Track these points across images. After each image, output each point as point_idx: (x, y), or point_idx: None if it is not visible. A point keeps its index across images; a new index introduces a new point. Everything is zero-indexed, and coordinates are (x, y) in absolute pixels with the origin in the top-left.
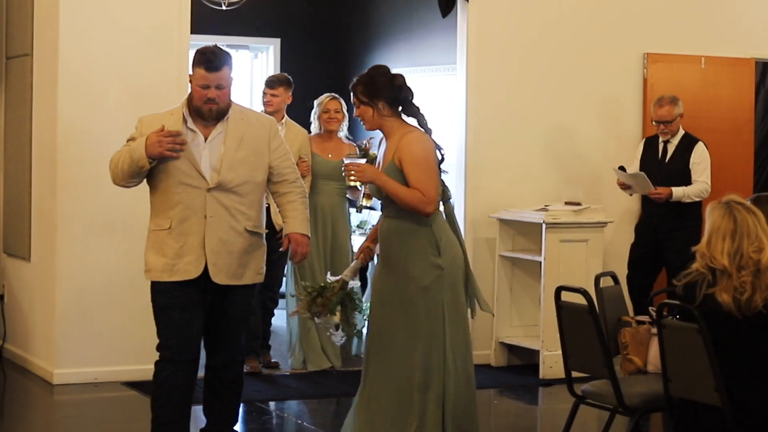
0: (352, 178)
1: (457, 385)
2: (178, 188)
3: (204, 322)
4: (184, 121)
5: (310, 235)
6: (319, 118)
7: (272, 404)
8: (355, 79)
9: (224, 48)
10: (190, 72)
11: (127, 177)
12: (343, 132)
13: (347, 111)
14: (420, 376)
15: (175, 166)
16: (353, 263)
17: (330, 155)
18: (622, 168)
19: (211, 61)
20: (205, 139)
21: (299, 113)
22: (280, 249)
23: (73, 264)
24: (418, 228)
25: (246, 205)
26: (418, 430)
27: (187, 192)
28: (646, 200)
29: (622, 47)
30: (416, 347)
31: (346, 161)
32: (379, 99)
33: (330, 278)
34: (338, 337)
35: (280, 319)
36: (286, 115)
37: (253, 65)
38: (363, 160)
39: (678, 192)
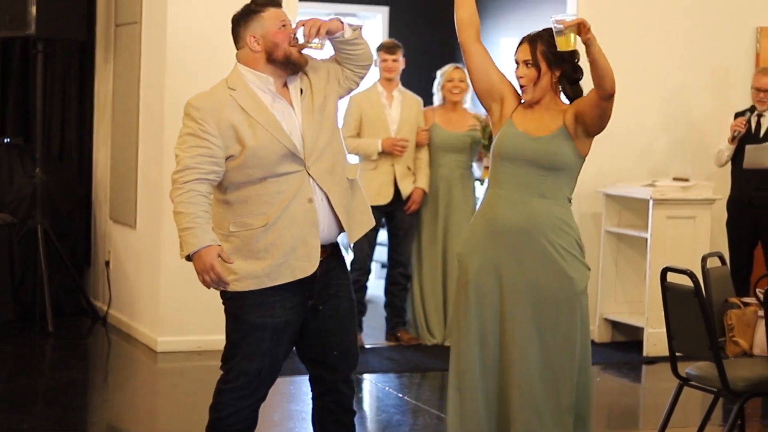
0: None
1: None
2: (276, 178)
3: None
4: (266, 91)
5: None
6: (442, 88)
7: (372, 376)
8: (534, 33)
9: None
10: (248, 27)
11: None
12: (467, 104)
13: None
14: (572, 397)
15: (271, 150)
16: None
17: (452, 127)
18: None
19: None
20: (290, 104)
21: (408, 83)
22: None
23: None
24: (568, 213)
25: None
26: None
27: (286, 179)
28: (738, 174)
29: (734, 19)
30: (570, 365)
31: None
32: (560, 68)
33: None
34: None
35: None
36: (399, 83)
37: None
38: None
39: None
